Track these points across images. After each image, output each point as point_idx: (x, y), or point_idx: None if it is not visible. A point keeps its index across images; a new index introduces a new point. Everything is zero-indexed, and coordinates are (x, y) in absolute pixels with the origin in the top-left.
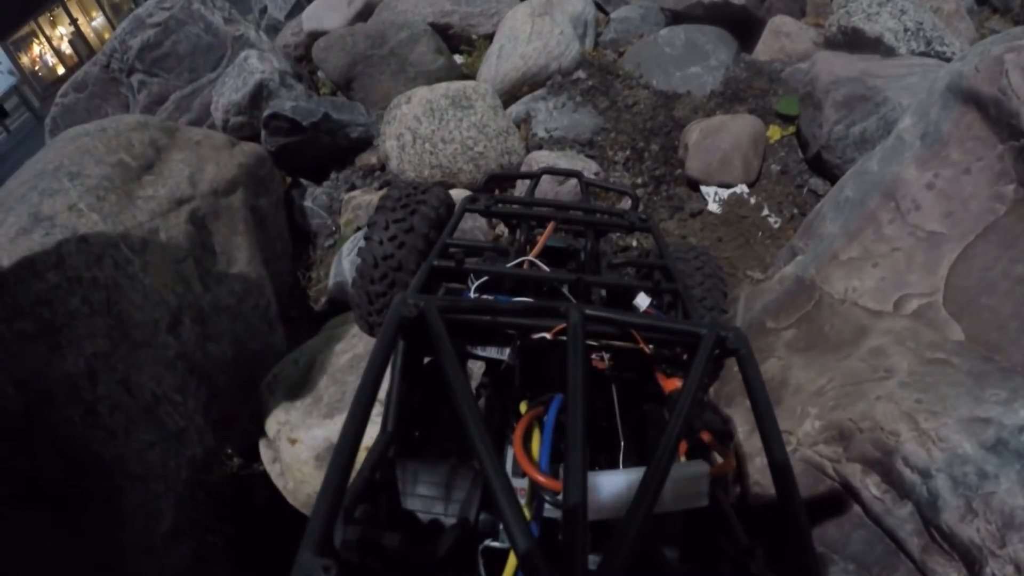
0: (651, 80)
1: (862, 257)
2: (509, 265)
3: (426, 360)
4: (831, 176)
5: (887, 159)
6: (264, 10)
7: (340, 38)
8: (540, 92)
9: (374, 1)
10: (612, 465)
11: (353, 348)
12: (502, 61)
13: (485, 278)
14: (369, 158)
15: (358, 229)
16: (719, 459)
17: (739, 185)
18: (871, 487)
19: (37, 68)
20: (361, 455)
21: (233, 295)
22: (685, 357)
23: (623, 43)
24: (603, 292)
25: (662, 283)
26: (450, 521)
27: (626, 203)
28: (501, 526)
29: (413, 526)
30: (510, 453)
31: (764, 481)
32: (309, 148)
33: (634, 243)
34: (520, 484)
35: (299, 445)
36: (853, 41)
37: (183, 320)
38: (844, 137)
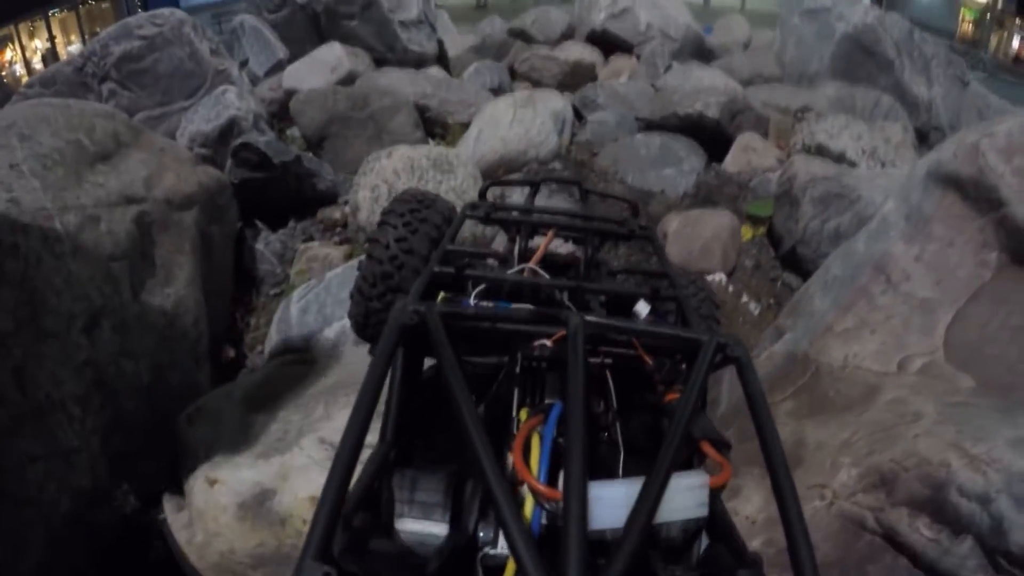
0: (626, 176)
1: (858, 326)
2: (509, 272)
3: (425, 367)
4: (804, 271)
5: (873, 239)
6: (245, 63)
7: (322, 94)
8: (515, 176)
9: (356, 73)
10: (612, 475)
11: (303, 388)
12: (480, 144)
13: (485, 285)
14: (332, 213)
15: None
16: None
17: (718, 273)
18: (922, 529)
19: (3, 73)
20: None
21: (164, 315)
22: (684, 366)
23: (597, 145)
24: (603, 299)
25: (661, 291)
26: (449, 529)
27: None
28: (500, 534)
29: (412, 534)
30: (510, 461)
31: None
32: (273, 189)
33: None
34: (520, 493)
35: (220, 488)
36: (818, 156)
37: (102, 324)
38: (819, 232)
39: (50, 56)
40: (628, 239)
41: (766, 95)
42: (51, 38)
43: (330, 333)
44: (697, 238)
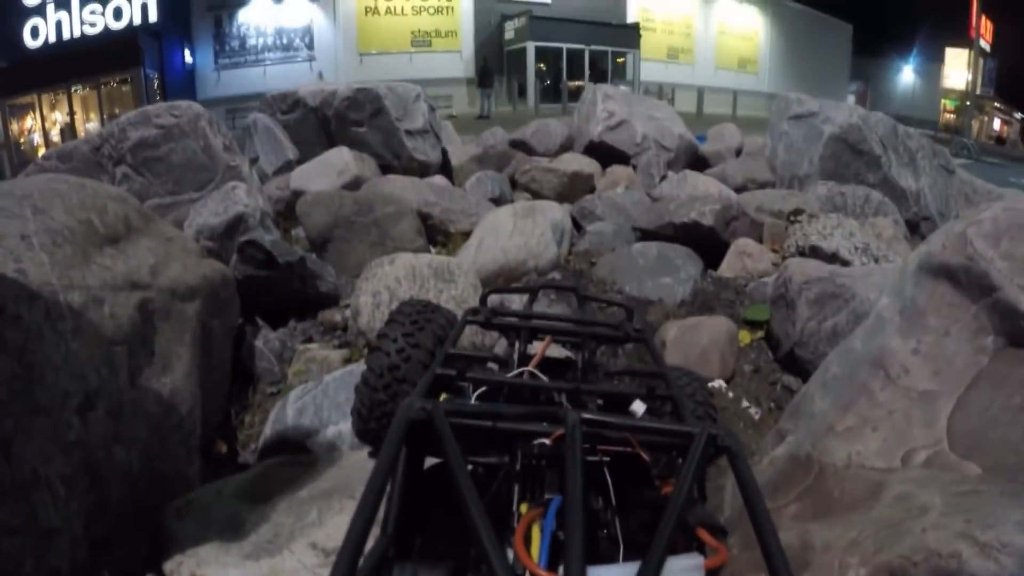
0: (624, 286)
1: (860, 424)
2: (509, 375)
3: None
4: (803, 372)
5: (870, 335)
6: (256, 160)
7: (328, 197)
8: (514, 285)
9: (363, 178)
10: (613, 563)
11: (296, 491)
12: (481, 252)
13: (485, 387)
14: (333, 315)
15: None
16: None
17: (717, 380)
18: None
19: (22, 140)
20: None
21: (159, 404)
22: (680, 460)
23: (595, 254)
24: (600, 401)
25: (657, 390)
26: None
27: None
28: None
29: None
30: (510, 554)
31: None
32: (277, 288)
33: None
34: None
35: None
36: (812, 257)
37: (97, 406)
38: (816, 332)
39: (68, 130)
40: (623, 342)
41: (760, 200)
42: (71, 112)
43: (326, 436)
44: (695, 345)
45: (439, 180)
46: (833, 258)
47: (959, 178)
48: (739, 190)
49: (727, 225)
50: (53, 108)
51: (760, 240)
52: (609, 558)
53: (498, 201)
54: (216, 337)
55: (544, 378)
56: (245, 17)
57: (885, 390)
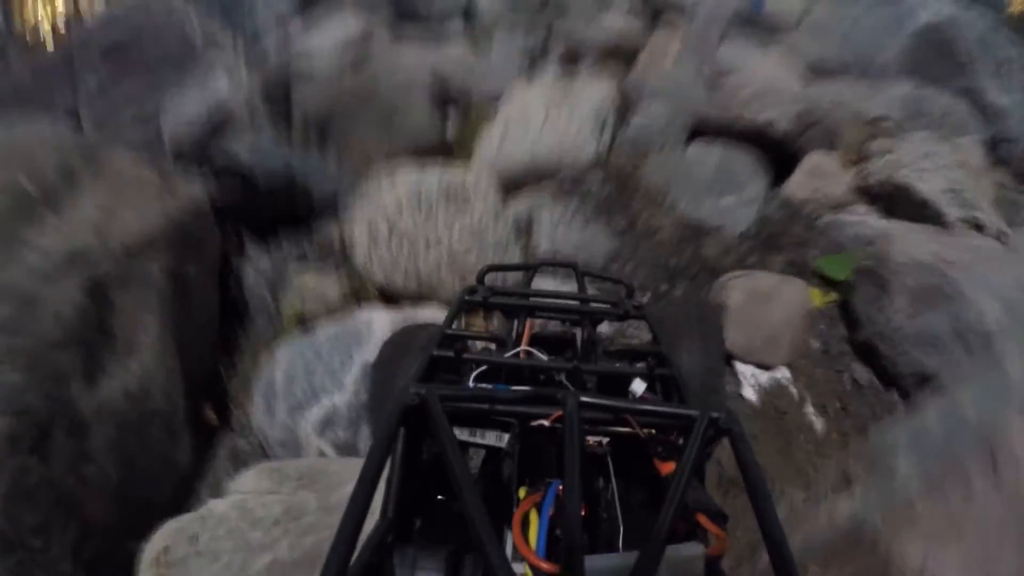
0: (678, 202)
1: (945, 521)
2: (507, 355)
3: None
4: (879, 368)
5: (985, 395)
6: (256, 36)
7: (325, 85)
8: (546, 191)
9: (368, 52)
10: (612, 549)
11: (274, 544)
12: (506, 144)
13: (483, 367)
14: (329, 234)
15: (301, 322)
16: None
17: (781, 368)
18: None
19: (28, 35)
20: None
21: (127, 397)
22: (681, 441)
23: (644, 145)
24: (600, 379)
25: (657, 369)
26: None
27: None
28: None
29: None
30: (509, 539)
31: None
32: (264, 210)
33: None
34: (519, 569)
35: None
36: (895, 197)
37: (53, 434)
38: (906, 329)
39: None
40: (623, 319)
41: (834, 93)
42: None
43: (315, 417)
44: (764, 323)
45: (462, 32)
46: (923, 207)
47: None
48: (808, 72)
49: (802, 133)
50: None
51: (832, 147)
52: (610, 539)
53: (531, 63)
54: (194, 283)
55: (543, 357)
56: None
57: (985, 483)
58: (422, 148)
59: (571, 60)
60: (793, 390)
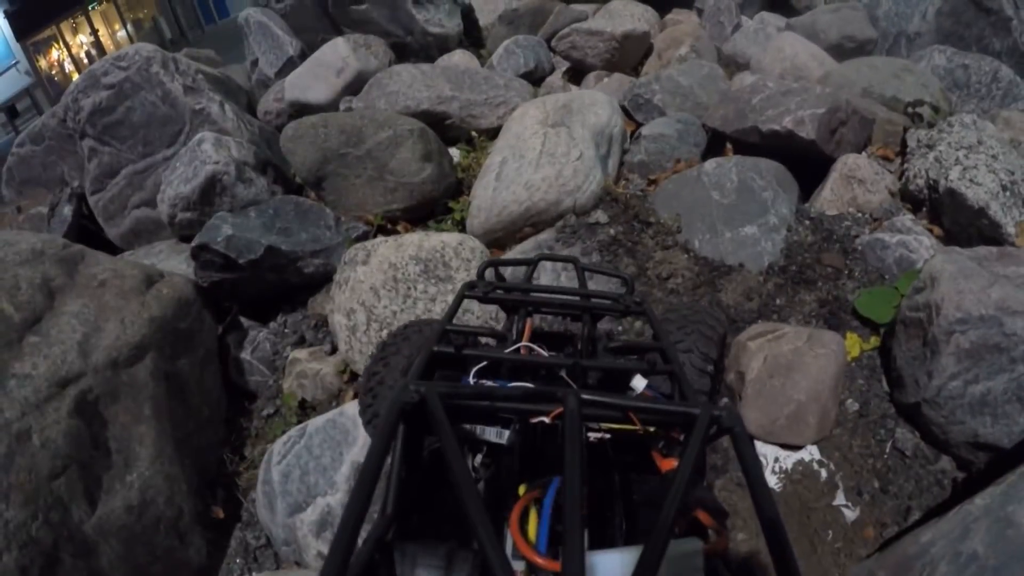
0: (692, 238)
1: None
2: (507, 351)
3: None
4: (927, 433)
5: None
6: (255, 63)
7: (311, 128)
8: (546, 236)
9: (366, 75)
10: (612, 545)
11: None
12: (501, 185)
13: (484, 363)
14: (323, 304)
15: (302, 407)
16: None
17: (808, 447)
18: None
19: (54, 72)
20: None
21: (130, 510)
22: (682, 437)
23: (655, 168)
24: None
25: (658, 365)
26: None
27: None
28: None
29: None
30: (509, 536)
31: None
32: (250, 285)
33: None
34: (518, 566)
35: None
36: (943, 205)
37: (61, 559)
38: (960, 396)
39: (95, 50)
40: (624, 315)
41: (866, 78)
42: (94, 31)
43: (311, 519)
44: (788, 398)
45: (459, 58)
46: (978, 217)
47: None
48: (833, 51)
49: (832, 134)
50: (75, 33)
51: (867, 143)
52: (611, 536)
53: (533, 75)
54: (189, 378)
55: (543, 353)
56: None
57: None
58: (416, 200)
59: (577, 73)
60: (823, 473)
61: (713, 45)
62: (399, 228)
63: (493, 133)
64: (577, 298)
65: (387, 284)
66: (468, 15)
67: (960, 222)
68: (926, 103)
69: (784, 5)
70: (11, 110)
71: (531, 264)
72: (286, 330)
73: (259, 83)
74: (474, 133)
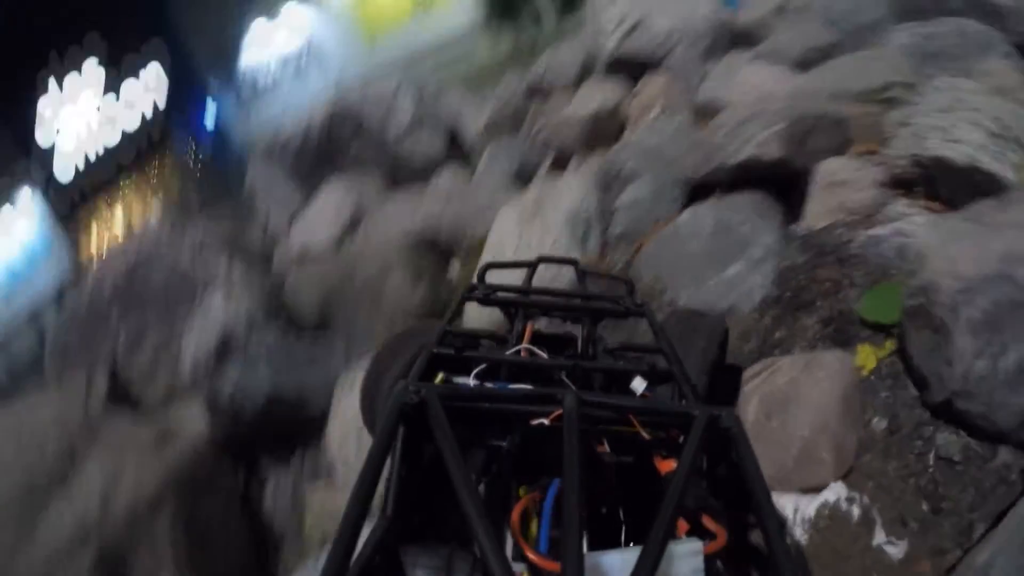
0: (678, 295)
1: None
2: (508, 353)
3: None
4: (973, 428)
5: None
6: (268, 216)
7: (308, 274)
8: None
9: (361, 209)
10: (613, 547)
11: None
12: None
13: (484, 365)
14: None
15: (327, 543)
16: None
17: (831, 485)
18: None
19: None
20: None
21: None
22: (681, 439)
23: (636, 234)
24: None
25: (657, 367)
26: None
27: None
28: None
29: None
30: (509, 537)
31: None
32: (264, 431)
33: None
34: (519, 568)
35: None
36: (933, 178)
37: None
38: (992, 374)
39: (124, 224)
40: (624, 316)
41: (832, 79)
42: (125, 206)
43: None
44: (790, 440)
45: (448, 176)
46: (971, 176)
47: None
48: (800, 67)
49: (801, 145)
50: (110, 207)
51: (848, 144)
52: (610, 537)
53: (522, 175)
54: (210, 524)
55: (544, 355)
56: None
57: None
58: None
59: (561, 162)
60: (855, 510)
61: (685, 99)
62: None
63: (483, 242)
64: (577, 300)
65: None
66: (452, 134)
67: (956, 187)
68: (896, 83)
69: (748, 40)
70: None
71: (531, 267)
72: (305, 465)
73: (272, 236)
74: (466, 241)
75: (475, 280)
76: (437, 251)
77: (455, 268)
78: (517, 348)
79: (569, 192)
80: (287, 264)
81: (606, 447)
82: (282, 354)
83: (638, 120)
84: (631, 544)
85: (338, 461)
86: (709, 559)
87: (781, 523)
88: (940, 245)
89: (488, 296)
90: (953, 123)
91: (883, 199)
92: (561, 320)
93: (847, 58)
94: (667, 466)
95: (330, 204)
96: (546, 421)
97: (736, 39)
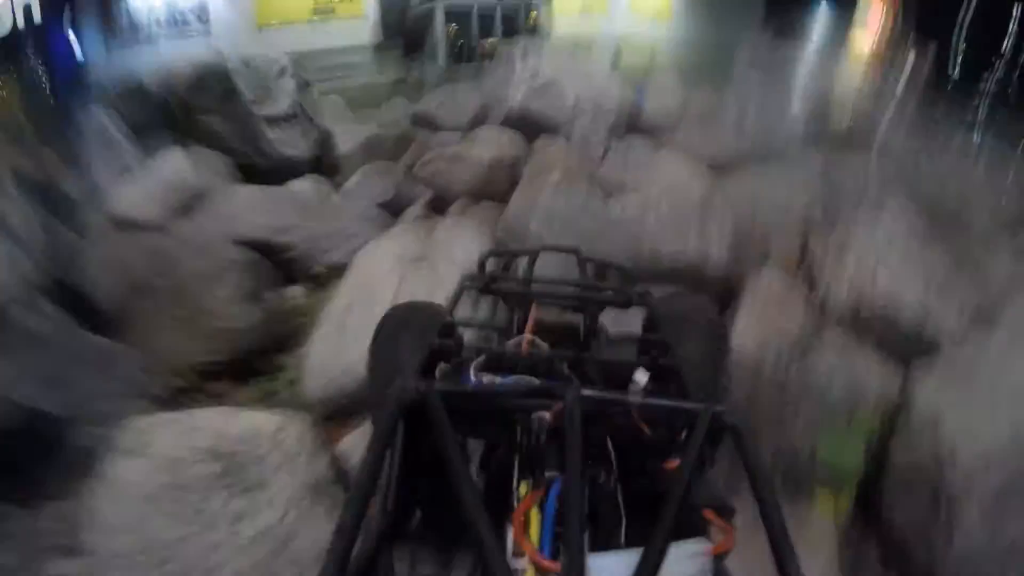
0: None
1: None
2: (508, 344)
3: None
4: None
5: None
6: (89, 167)
7: (116, 251)
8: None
9: (205, 191)
10: (615, 545)
11: None
12: (345, 339)
13: (484, 357)
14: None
15: None
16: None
17: None
18: None
19: None
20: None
21: None
22: (684, 434)
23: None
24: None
25: (660, 359)
26: None
27: None
28: None
29: None
30: (510, 534)
31: None
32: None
33: None
34: (519, 565)
35: None
36: (874, 311)
37: None
38: (988, 547)
39: None
40: (626, 306)
41: (750, 187)
42: None
43: None
44: None
45: (308, 184)
46: (918, 318)
47: None
48: (710, 165)
49: (738, 256)
50: None
51: (767, 255)
52: (612, 535)
53: (392, 206)
54: None
55: (545, 345)
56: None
57: None
58: (240, 352)
59: (440, 202)
60: None
61: (585, 170)
62: (219, 388)
63: (342, 270)
64: (579, 289)
65: (167, 494)
66: (326, 139)
67: (895, 329)
68: (817, 205)
69: (649, 129)
70: None
71: (532, 255)
72: (42, 532)
73: (91, 190)
74: (320, 269)
75: (476, 269)
76: (280, 268)
77: (296, 293)
78: (518, 339)
79: (465, 239)
80: (95, 232)
81: (608, 443)
82: (57, 350)
83: (535, 180)
84: (632, 545)
85: (101, 541)
86: (717, 559)
87: (785, 521)
88: (953, 413)
89: (488, 285)
90: (898, 260)
91: (817, 326)
92: (561, 309)
93: (765, 169)
94: (671, 463)
95: (168, 174)
96: (547, 416)
97: (640, 125)
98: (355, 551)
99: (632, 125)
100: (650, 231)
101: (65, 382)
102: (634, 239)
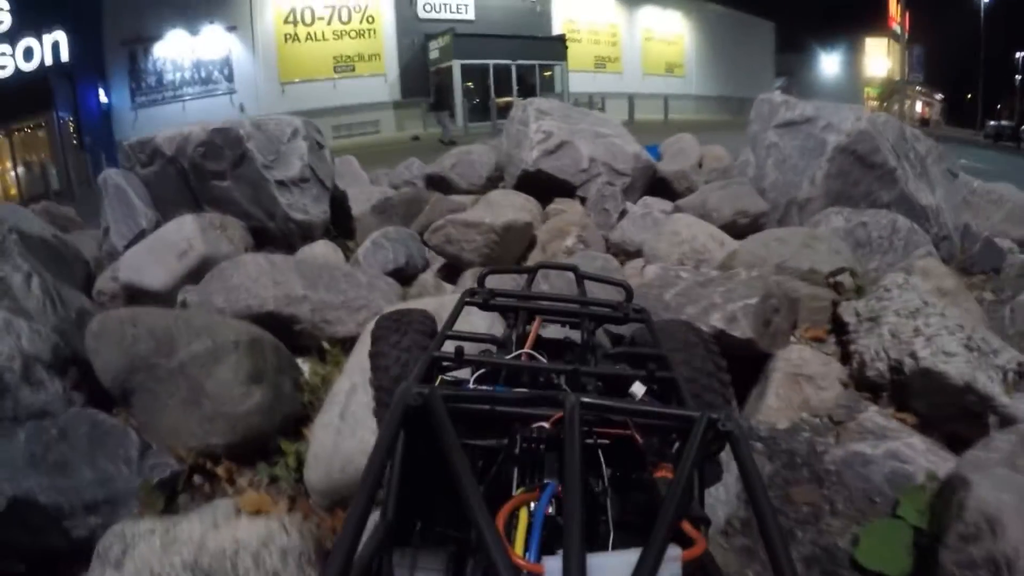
0: None
1: None
2: (507, 357)
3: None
4: None
5: None
6: (107, 231)
7: (117, 326)
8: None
9: (213, 260)
10: (602, 548)
11: None
12: (346, 426)
13: (484, 369)
14: None
15: None
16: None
17: None
18: None
19: None
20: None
21: None
22: (677, 445)
23: None
24: (599, 383)
25: (657, 372)
26: None
27: None
28: None
29: None
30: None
31: None
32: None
33: None
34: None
35: None
36: (914, 385)
37: None
38: None
39: None
40: (623, 322)
41: (775, 250)
42: None
43: None
44: None
45: (321, 249)
46: (965, 392)
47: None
48: (727, 229)
49: (767, 325)
50: None
51: (795, 325)
52: (599, 539)
53: (403, 273)
54: None
55: (543, 359)
56: (161, 51)
57: None
58: (240, 436)
59: (453, 270)
60: None
61: (600, 234)
62: (219, 471)
63: (351, 343)
64: (577, 305)
65: None
66: (340, 203)
67: (939, 403)
68: (846, 270)
69: (665, 190)
70: None
71: (531, 273)
72: None
73: (107, 255)
74: (326, 344)
75: (476, 284)
76: (286, 340)
77: (303, 371)
78: (517, 352)
79: (475, 311)
80: (110, 299)
81: (602, 451)
82: (58, 429)
83: (548, 245)
84: (619, 548)
85: None
86: (686, 565)
87: (781, 527)
88: (1016, 513)
89: (488, 300)
90: (937, 331)
91: (852, 404)
92: (560, 325)
93: (787, 230)
94: (661, 471)
95: (173, 240)
96: (546, 424)
97: (654, 184)
98: (356, 556)
99: (648, 185)
100: (668, 301)
101: (62, 467)
102: (651, 309)
